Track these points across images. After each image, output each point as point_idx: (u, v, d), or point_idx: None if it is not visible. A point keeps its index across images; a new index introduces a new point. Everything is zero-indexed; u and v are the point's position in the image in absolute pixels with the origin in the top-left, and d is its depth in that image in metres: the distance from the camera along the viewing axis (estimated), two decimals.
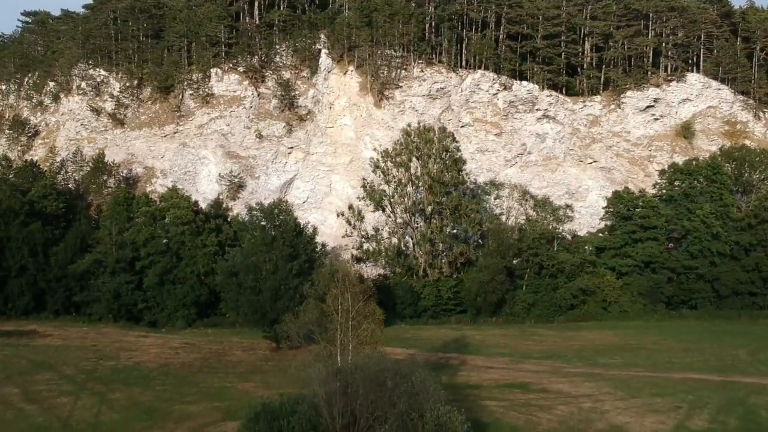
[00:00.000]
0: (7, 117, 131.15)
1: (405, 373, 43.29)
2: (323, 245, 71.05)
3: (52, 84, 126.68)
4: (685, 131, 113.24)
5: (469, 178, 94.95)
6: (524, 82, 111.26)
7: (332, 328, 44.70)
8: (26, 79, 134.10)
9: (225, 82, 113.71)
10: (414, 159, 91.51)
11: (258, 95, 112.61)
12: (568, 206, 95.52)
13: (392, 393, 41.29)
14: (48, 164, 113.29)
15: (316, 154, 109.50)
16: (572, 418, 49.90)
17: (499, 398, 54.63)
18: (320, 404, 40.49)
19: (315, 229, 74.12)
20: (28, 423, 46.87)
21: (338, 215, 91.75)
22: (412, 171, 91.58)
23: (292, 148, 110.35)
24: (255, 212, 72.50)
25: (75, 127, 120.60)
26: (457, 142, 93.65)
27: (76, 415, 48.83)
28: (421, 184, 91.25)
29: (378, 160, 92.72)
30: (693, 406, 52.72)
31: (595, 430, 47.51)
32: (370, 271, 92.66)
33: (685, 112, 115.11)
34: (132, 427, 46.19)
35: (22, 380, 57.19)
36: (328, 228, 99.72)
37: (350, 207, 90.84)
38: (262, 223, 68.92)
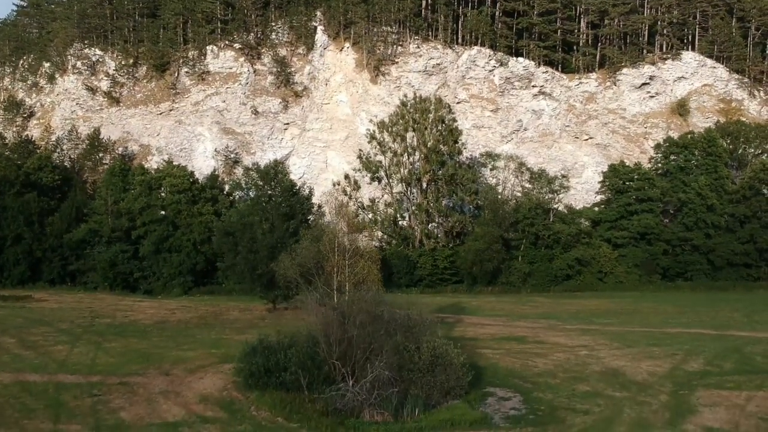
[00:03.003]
0: (1, 99, 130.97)
1: (401, 306, 43.45)
2: (320, 206, 71.18)
3: (47, 65, 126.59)
4: (681, 109, 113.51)
5: (465, 148, 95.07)
6: (520, 59, 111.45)
7: (329, 266, 44.70)
8: (21, 62, 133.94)
9: (221, 59, 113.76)
10: (410, 130, 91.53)
11: (254, 72, 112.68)
12: (564, 176, 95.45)
13: (388, 325, 41.43)
14: (44, 143, 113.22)
15: (312, 130, 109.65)
16: (568, 362, 49.95)
17: (495, 348, 54.66)
18: (317, 335, 40.59)
19: (311, 189, 74.12)
20: (25, 364, 46.79)
21: (334, 185, 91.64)
22: (408, 142, 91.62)
23: (288, 124, 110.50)
24: (252, 172, 72.51)
25: (70, 107, 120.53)
26: (453, 113, 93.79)
27: (72, 359, 48.72)
28: (417, 154, 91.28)
29: (374, 131, 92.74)
30: (689, 353, 52.77)
31: (591, 371, 47.52)
32: (366, 243, 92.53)
33: (680, 90, 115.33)
34: (128, 368, 46.08)
35: (17, 332, 57.03)
36: (324, 203, 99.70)
37: (346, 176, 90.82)
38: (259, 182, 68.87)
